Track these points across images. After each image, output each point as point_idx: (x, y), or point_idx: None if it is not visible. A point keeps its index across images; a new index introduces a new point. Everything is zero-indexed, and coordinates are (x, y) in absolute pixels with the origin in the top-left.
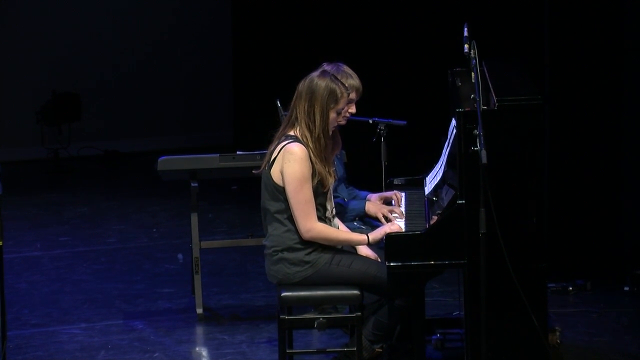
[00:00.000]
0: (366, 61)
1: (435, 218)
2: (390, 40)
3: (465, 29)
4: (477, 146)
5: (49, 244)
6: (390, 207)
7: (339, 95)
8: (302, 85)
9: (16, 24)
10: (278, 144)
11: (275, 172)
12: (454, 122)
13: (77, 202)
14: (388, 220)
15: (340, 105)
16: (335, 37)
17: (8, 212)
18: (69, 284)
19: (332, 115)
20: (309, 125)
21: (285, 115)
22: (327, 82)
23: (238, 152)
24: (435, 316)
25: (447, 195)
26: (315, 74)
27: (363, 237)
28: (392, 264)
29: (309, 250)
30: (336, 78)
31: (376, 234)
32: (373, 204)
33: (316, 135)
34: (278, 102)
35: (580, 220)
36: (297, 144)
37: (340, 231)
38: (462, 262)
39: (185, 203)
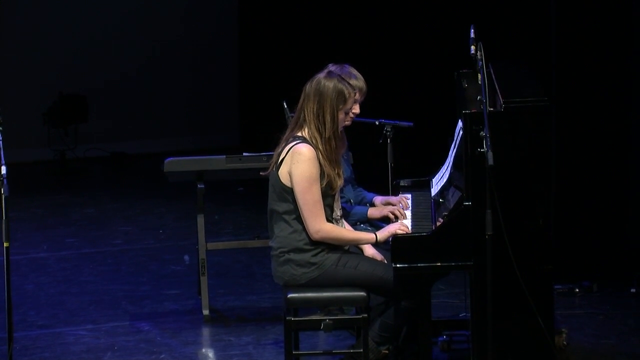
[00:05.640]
0: (372, 63)
1: (441, 220)
2: (396, 41)
3: (472, 30)
4: (483, 148)
5: (55, 246)
6: (392, 208)
7: (347, 95)
8: (309, 87)
9: (23, 26)
10: (286, 145)
11: (283, 173)
12: (460, 123)
13: (83, 204)
14: (397, 218)
15: (348, 105)
16: (341, 38)
17: (14, 213)
18: (75, 285)
19: (341, 115)
20: (318, 127)
21: (292, 116)
22: (334, 82)
23: (244, 154)
24: (441, 318)
25: (453, 197)
26: (321, 75)
27: (371, 236)
28: (398, 265)
29: (316, 251)
30: (343, 78)
31: (384, 233)
32: (376, 209)
33: (326, 137)
34: (284, 104)
35: (586, 222)
36: (305, 144)
37: (348, 231)
38: (469, 263)
39: (191, 204)
